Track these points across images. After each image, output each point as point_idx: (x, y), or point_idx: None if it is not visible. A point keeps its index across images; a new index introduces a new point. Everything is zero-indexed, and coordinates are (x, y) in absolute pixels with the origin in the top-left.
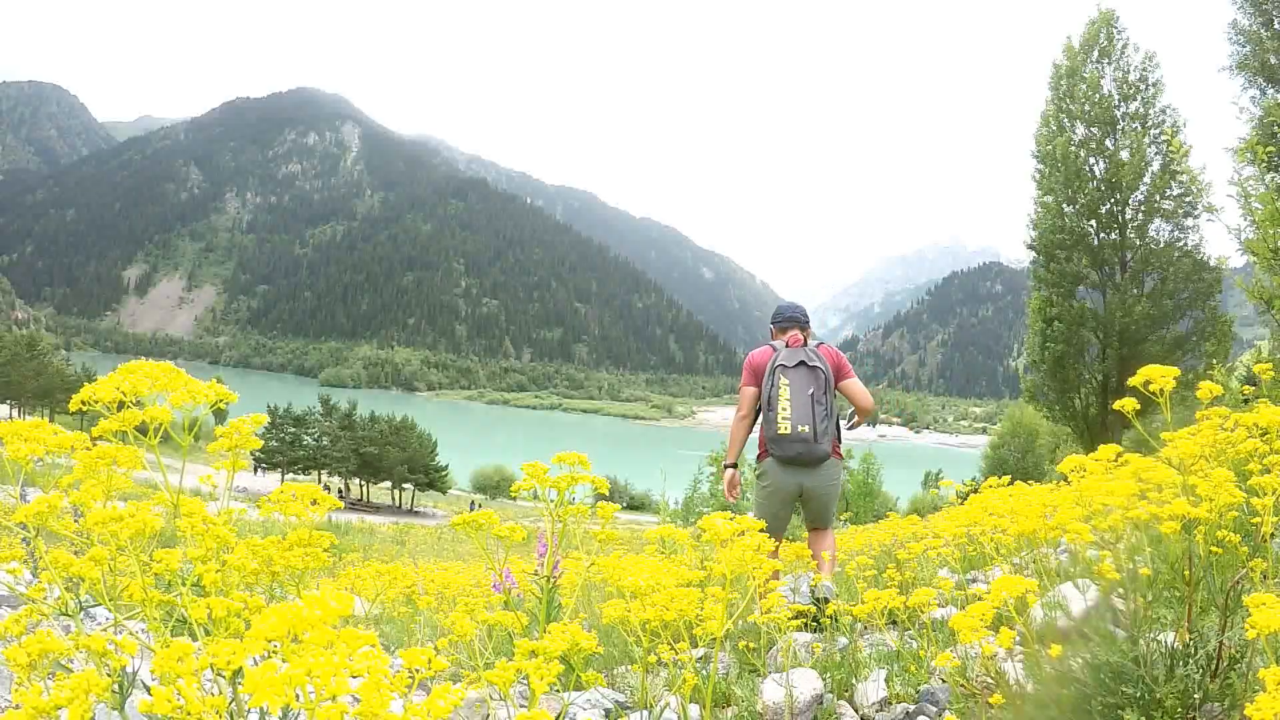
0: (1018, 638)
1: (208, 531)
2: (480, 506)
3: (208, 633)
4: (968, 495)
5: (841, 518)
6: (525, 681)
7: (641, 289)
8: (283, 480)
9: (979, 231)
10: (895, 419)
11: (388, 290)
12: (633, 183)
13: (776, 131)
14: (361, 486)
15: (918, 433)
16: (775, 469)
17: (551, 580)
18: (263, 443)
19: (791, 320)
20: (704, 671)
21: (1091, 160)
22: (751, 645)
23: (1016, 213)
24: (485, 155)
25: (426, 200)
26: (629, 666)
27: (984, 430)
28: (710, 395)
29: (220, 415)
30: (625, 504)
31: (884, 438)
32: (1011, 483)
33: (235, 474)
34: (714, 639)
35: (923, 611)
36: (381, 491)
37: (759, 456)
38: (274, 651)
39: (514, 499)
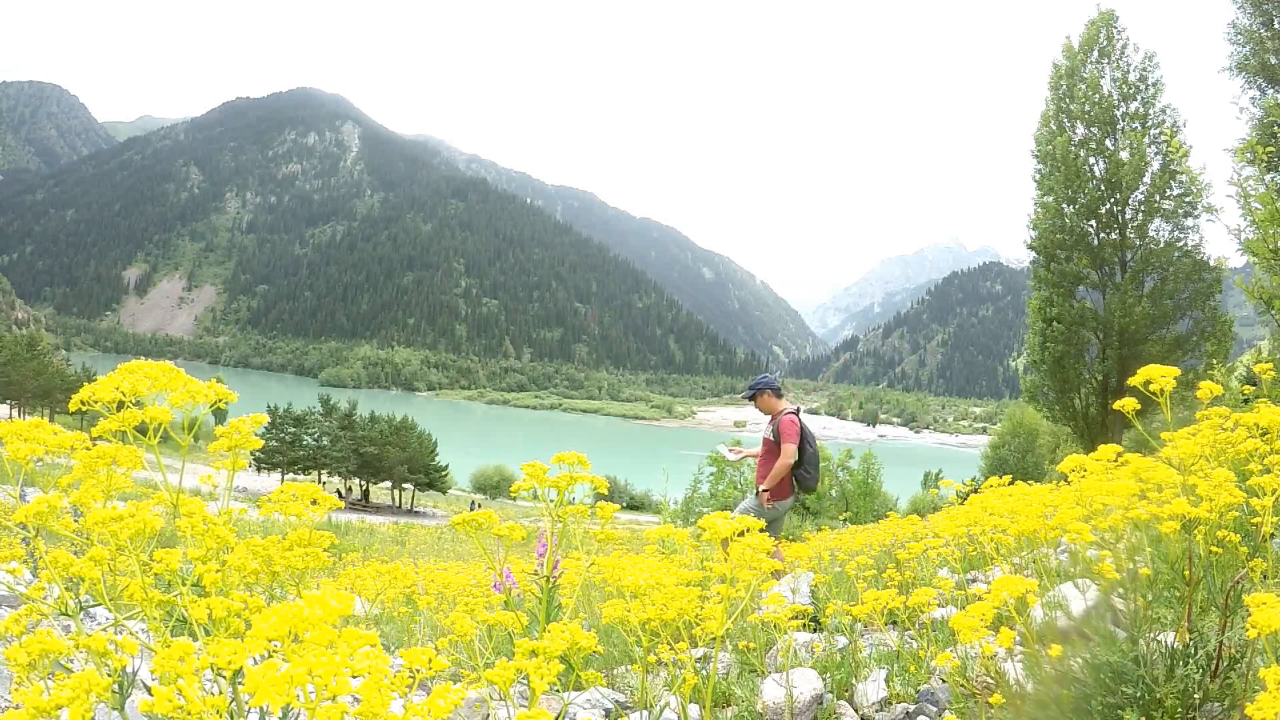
0: (1018, 638)
1: (208, 531)
2: (480, 506)
3: (208, 633)
4: (968, 495)
5: (841, 517)
6: (525, 681)
7: (641, 289)
8: (283, 480)
9: (979, 231)
10: (895, 419)
11: (388, 290)
12: (633, 183)
13: (777, 132)
14: (361, 486)
15: (918, 433)
16: (790, 501)
17: (551, 580)
18: (263, 443)
19: (781, 390)
20: (704, 671)
21: (1091, 160)
22: (751, 645)
23: (1016, 213)
24: (485, 155)
25: (426, 200)
26: (629, 666)
27: (984, 430)
28: (710, 395)
29: (220, 415)
30: (625, 504)
31: (884, 438)
32: (1012, 483)
33: (235, 474)
34: (714, 639)
35: (923, 611)
36: (382, 491)
37: (784, 495)
38: (275, 651)
39: (514, 499)
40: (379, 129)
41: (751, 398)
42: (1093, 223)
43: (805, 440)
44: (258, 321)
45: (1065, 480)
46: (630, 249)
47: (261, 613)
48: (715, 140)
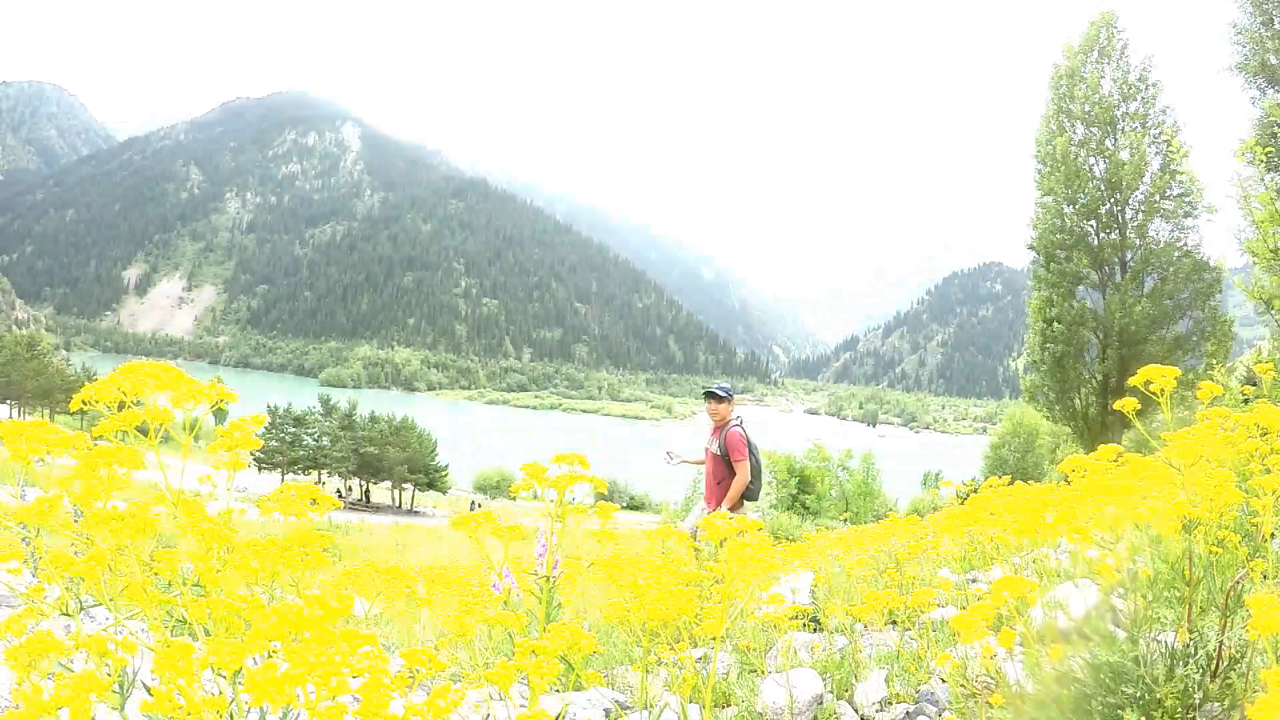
0: (1018, 638)
1: (208, 531)
2: (480, 506)
3: (208, 633)
4: (968, 496)
5: (841, 518)
6: (525, 681)
7: (641, 289)
8: (283, 480)
9: (979, 232)
10: (895, 419)
11: (388, 290)
12: (633, 183)
13: (776, 132)
14: (362, 486)
15: (918, 433)
16: (744, 512)
17: (551, 580)
18: (263, 443)
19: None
20: (704, 671)
21: (1091, 160)
22: (751, 645)
23: (1016, 213)
24: (484, 163)
25: (426, 200)
26: (629, 666)
27: (984, 430)
28: None
29: (220, 415)
30: (625, 504)
31: (884, 438)
32: (1012, 483)
33: (235, 474)
34: (713, 639)
35: (923, 611)
36: (382, 491)
37: (737, 507)
38: (274, 651)
39: (514, 499)
40: (379, 130)
41: (721, 399)
42: (1093, 223)
43: (751, 452)
44: (258, 321)
45: (1065, 480)
46: (630, 249)
47: (262, 613)
48: (715, 141)
